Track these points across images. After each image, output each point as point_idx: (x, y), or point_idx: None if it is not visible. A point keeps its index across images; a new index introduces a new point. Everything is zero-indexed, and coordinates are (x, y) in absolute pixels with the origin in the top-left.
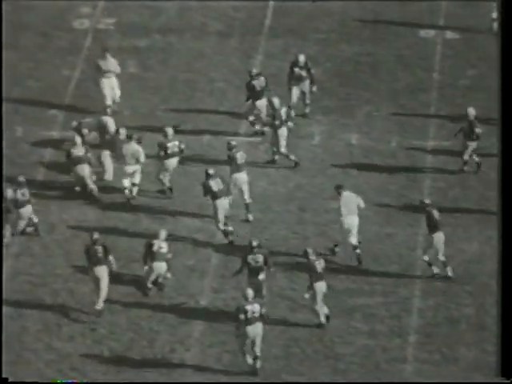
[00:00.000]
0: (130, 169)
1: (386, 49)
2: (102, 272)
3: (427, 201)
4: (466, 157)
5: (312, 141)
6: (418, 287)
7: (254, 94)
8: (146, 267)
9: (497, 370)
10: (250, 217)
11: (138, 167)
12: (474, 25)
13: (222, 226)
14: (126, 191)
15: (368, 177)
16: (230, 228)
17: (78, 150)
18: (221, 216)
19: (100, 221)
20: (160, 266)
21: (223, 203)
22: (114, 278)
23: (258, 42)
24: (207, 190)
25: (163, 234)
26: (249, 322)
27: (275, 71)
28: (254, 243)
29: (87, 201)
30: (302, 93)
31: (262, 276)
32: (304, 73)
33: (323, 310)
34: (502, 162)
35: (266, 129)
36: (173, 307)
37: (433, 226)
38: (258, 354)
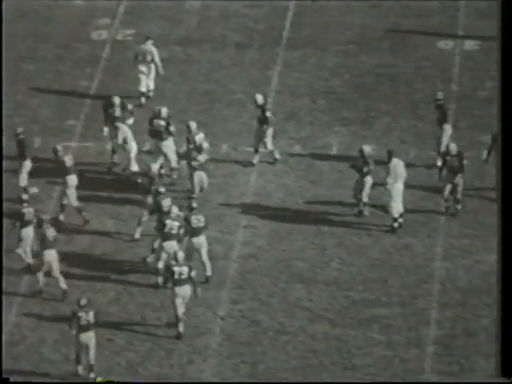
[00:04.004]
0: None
1: (404, 60)
2: (53, 256)
3: (194, 204)
4: (446, 194)
5: (330, 151)
6: (435, 298)
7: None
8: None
9: (497, 370)
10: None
11: None
12: (492, 36)
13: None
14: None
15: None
16: None
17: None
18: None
19: (120, 231)
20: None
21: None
22: (131, 284)
23: (276, 54)
24: None
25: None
26: (177, 282)
27: (294, 83)
28: (194, 204)
29: (106, 211)
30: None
31: (202, 236)
32: (260, 114)
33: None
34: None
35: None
36: (190, 318)
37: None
38: (181, 316)
